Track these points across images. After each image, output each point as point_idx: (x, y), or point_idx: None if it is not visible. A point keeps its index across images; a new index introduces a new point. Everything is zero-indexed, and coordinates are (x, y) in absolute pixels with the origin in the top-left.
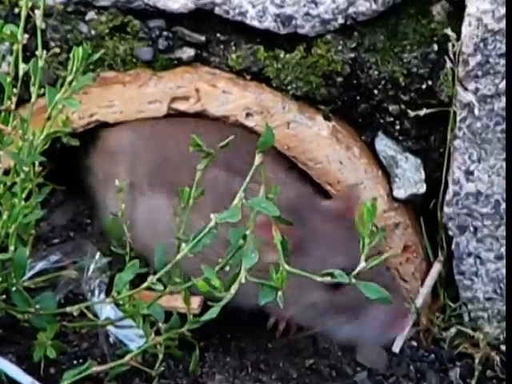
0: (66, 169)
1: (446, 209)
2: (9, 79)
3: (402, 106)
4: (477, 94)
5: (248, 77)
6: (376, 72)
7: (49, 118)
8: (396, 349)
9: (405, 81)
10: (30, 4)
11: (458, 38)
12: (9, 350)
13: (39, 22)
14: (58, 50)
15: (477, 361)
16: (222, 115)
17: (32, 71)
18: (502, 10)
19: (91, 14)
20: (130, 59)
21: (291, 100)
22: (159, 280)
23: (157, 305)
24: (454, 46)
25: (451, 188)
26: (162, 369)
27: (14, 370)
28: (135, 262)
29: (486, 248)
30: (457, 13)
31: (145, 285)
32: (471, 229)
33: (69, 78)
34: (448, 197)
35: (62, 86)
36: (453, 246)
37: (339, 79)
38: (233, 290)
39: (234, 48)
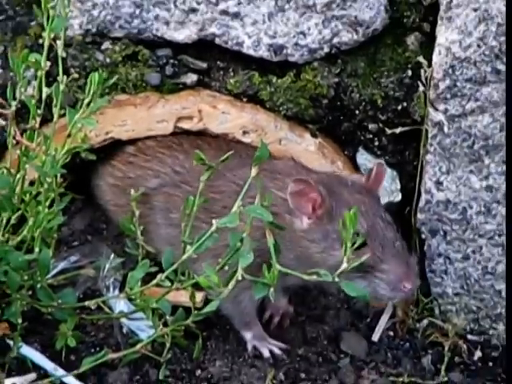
0: (85, 180)
1: (419, 215)
2: (33, 101)
3: (380, 125)
4: (446, 114)
5: (244, 99)
6: (357, 95)
7: (69, 136)
8: (375, 338)
9: (382, 102)
10: (52, 35)
11: (430, 65)
12: (34, 339)
13: (60, 51)
14: (76, 76)
15: (446, 348)
16: (222, 133)
17: (54, 94)
18: (469, 40)
19: (106, 44)
20: (140, 84)
21: (283, 120)
22: (167, 278)
23: (164, 300)
24: (425, 71)
25: (423, 197)
26: (169, 356)
27: (38, 357)
28: (145, 262)
29: (454, 249)
30: (428, 43)
31: (154, 282)
32: (441, 232)
33: (86, 100)
34: (421, 204)
35: (80, 107)
36: (425, 248)
37: (325, 101)
38: (230, 286)
39: (232, 74)
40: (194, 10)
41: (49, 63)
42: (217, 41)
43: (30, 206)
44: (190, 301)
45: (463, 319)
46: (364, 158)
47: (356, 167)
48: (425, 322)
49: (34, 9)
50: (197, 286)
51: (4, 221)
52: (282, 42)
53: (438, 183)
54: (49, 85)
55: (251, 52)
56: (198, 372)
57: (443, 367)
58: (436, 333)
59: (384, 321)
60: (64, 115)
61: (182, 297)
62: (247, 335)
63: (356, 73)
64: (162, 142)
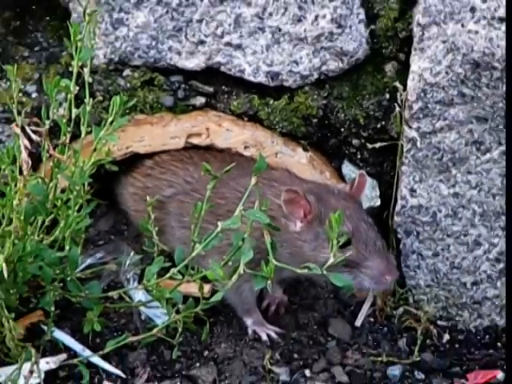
0: (108, 188)
1: (395, 218)
2: (64, 120)
3: (362, 140)
4: (418, 131)
5: (245, 118)
6: (342, 115)
7: (95, 150)
8: (358, 323)
9: (364, 121)
10: (80, 64)
11: (405, 89)
12: (65, 325)
13: (87, 77)
14: (101, 99)
15: (419, 332)
16: (226, 147)
17: (82, 114)
18: (438, 68)
19: (127, 71)
20: (156, 105)
21: (278, 136)
22: (179, 272)
23: (177, 291)
24: (401, 95)
25: (399, 202)
26: (181, 339)
27: (68, 340)
28: (160, 259)
29: (425, 247)
30: (403, 70)
31: (168, 275)
32: (414, 233)
33: (110, 120)
34: (397, 209)
35: (104, 125)
36: (401, 246)
37: (314, 120)
38: (233, 279)
39: (235, 97)
40: (202, 42)
41: (77, 88)
42: (222, 68)
43: (61, 210)
44: (198, 291)
45: (433, 307)
46: (348, 169)
47: (341, 177)
48: (401, 309)
49: (65, 41)
50: (205, 279)
51: (39, 223)
52: (278, 69)
53: (412, 190)
54: (77, 106)
55: (251, 78)
56: (206, 353)
57: (416, 348)
58: (410, 319)
59: (365, 308)
60: (90, 132)
61: (191, 288)
62: (248, 321)
63: (341, 96)
64: (175, 156)
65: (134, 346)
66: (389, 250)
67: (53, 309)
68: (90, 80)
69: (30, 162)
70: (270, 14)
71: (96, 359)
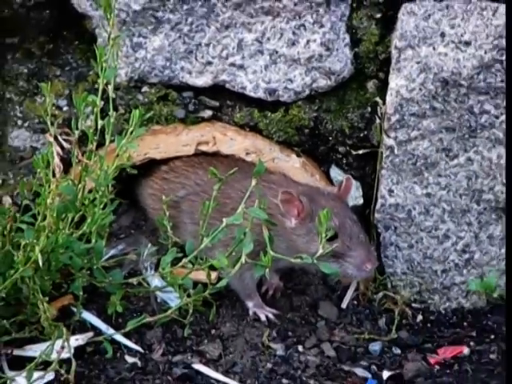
0: (129, 189)
1: (376, 215)
2: (91, 130)
3: (348, 148)
4: (396, 140)
5: (247, 129)
6: (330, 125)
7: (117, 156)
8: (343, 305)
9: (349, 131)
10: (105, 81)
11: (384, 103)
12: (92, 307)
13: (111, 93)
14: (123, 111)
15: (396, 313)
16: (230, 154)
17: (106, 125)
18: (413, 85)
19: (145, 88)
20: (170, 117)
21: (275, 144)
22: (190, 261)
23: (188, 278)
24: (381, 108)
25: (379, 201)
26: (192, 319)
27: (95, 320)
28: (173, 250)
29: (402, 240)
30: (383, 87)
31: (180, 264)
32: (392, 228)
33: (130, 130)
34: (377, 207)
35: (125, 135)
36: (380, 239)
37: (306, 130)
38: (236, 267)
39: (238, 110)
40: (209, 63)
41: (102, 102)
42: (227, 85)
43: (88, 208)
44: (206, 278)
45: (409, 292)
46: (336, 173)
47: (330, 179)
48: (380, 294)
49: (92, 62)
50: (212, 268)
51: (69, 219)
52: (275, 86)
53: (390, 191)
54: (102, 118)
55: (252, 94)
56: (213, 331)
57: (394, 327)
58: (389, 302)
59: (350, 293)
60: (114, 141)
61: (200, 275)
62: (249, 304)
63: (329, 109)
64: (187, 162)
65: (151, 325)
66: (370, 242)
67: (81, 293)
68: (114, 95)
69: (62, 167)
70: (268, 39)
71: (118, 337)
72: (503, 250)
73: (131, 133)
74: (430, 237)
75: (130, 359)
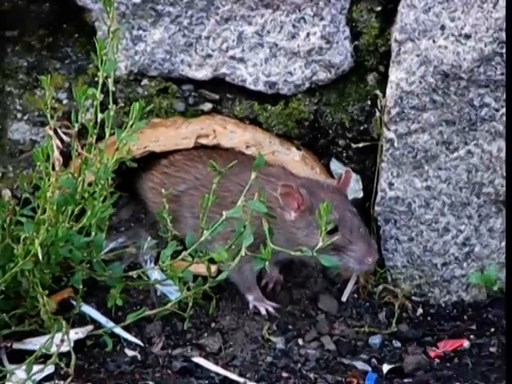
0: (129, 182)
1: (376, 208)
2: (91, 123)
3: (348, 141)
4: (396, 133)
5: (247, 122)
6: (330, 118)
7: (117, 149)
8: (343, 299)
9: (349, 124)
10: (104, 75)
11: (384, 96)
12: (91, 300)
13: (111, 86)
14: (123, 105)
15: (396, 307)
16: (230, 147)
17: (106, 118)
18: (413, 78)
19: (145, 81)
20: (170, 110)
21: (275, 137)
22: (189, 254)
23: (187, 271)
24: (381, 101)
25: (379, 194)
26: (191, 312)
27: (94, 313)
28: (173, 243)
29: (402, 233)
30: (383, 80)
31: (180, 257)
32: (392, 221)
33: (130, 123)
34: (377, 200)
35: (125, 128)
36: (380, 232)
37: (306, 123)
38: (236, 261)
39: (237, 103)
40: (209, 56)
41: (102, 95)
42: (226, 78)
43: (88, 201)
44: (206, 271)
45: (409, 285)
46: (335, 166)
47: (330, 172)
48: (380, 287)
49: (92, 55)
50: (211, 261)
51: (69, 212)
52: (275, 79)
53: (390, 184)
54: (102, 111)
55: (252, 87)
56: (213, 324)
57: (394, 320)
58: (389, 295)
59: (350, 286)
60: (113, 134)
61: (200, 268)
62: (249, 297)
63: (329, 102)
64: (186, 155)
65: (151, 319)
66: (370, 235)
67: (81, 286)
68: (113, 89)
69: (62, 160)
70: (268, 32)
71: (118, 330)
72: (503, 243)
73: (131, 126)
74: (430, 230)
75: (129, 352)
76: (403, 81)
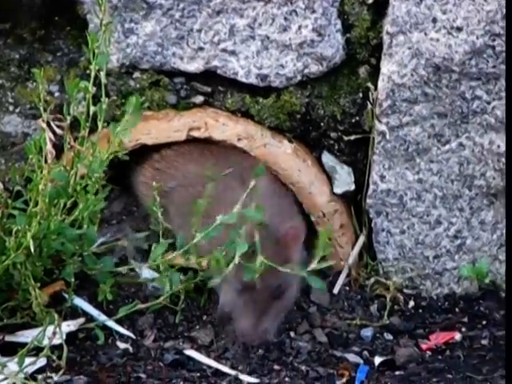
0: (121, 175)
1: (368, 200)
2: (83, 116)
3: (339, 133)
4: (388, 126)
5: (239, 114)
6: (322, 111)
7: (109, 142)
8: (335, 291)
9: (341, 117)
10: (96, 67)
11: (376, 89)
12: (83, 293)
13: (103, 79)
14: (115, 98)
15: (388, 299)
16: (222, 139)
17: (98, 111)
18: (404, 71)
19: (137, 74)
20: (162, 103)
21: (267, 130)
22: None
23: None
24: (372, 94)
25: (371, 187)
26: (183, 305)
27: (86, 306)
28: (163, 243)
29: (393, 226)
30: (375, 72)
31: (170, 257)
32: (384, 213)
33: (126, 118)
34: (369, 192)
35: (120, 122)
36: (372, 225)
37: (298, 116)
38: (230, 267)
39: (229, 96)
40: (201, 49)
41: (94, 88)
42: (218, 71)
43: (80, 194)
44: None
45: (400, 278)
46: (327, 158)
47: (321, 164)
48: (372, 279)
49: (83, 48)
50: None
51: (61, 205)
52: (267, 72)
53: (382, 177)
54: (94, 104)
55: (244, 80)
56: (204, 317)
57: (386, 313)
58: (380, 288)
59: (342, 278)
60: (105, 127)
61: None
62: None
63: (321, 95)
64: (177, 151)
65: (143, 312)
66: (361, 228)
67: (73, 279)
68: (105, 81)
69: (54, 153)
70: (260, 25)
71: (110, 323)
72: (495, 236)
73: (127, 121)
74: (421, 222)
75: (121, 345)
76: (395, 73)
